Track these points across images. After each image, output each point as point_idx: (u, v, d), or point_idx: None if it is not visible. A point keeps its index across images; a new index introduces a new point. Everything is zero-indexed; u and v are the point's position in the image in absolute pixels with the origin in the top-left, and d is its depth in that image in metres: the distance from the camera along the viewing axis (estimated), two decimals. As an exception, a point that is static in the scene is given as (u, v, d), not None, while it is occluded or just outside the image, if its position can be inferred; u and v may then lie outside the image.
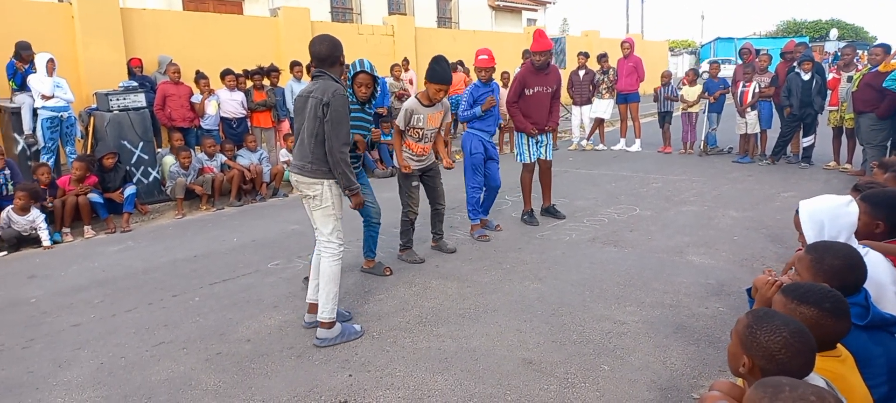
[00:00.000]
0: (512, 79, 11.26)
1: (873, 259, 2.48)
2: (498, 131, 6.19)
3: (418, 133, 5.00)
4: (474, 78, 12.97)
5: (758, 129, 9.46)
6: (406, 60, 12.80)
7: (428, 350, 3.56)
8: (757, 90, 9.26)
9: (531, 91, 5.98)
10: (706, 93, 10.23)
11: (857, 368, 2.03)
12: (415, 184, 5.14)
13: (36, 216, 6.36)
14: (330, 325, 3.69)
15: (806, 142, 8.95)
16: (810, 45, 13.30)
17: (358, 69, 4.33)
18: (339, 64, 3.74)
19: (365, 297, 4.45)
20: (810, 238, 2.48)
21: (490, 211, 6.23)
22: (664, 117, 10.92)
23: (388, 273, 4.90)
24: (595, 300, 4.21)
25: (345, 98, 3.59)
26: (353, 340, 3.73)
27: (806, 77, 8.54)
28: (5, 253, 6.24)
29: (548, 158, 6.28)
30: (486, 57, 5.77)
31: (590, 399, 3.01)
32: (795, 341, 1.76)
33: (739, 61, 9.99)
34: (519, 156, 6.26)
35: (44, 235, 6.39)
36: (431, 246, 5.50)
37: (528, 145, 6.14)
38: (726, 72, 17.68)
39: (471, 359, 3.43)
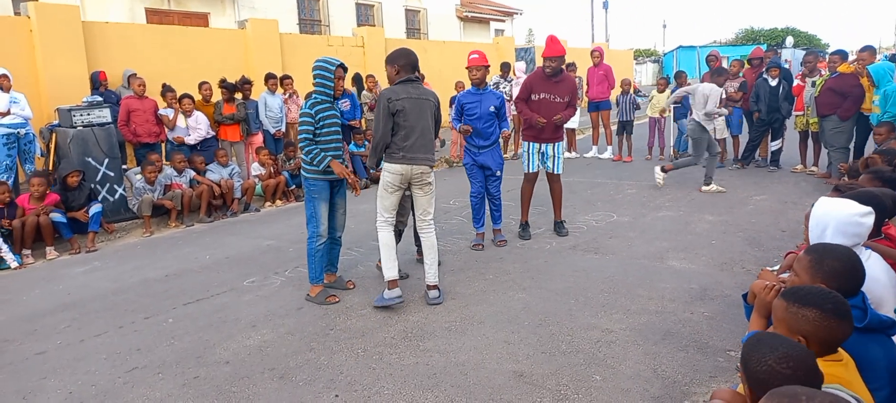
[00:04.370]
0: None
1: (874, 263, 2.49)
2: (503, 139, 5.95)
3: None
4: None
5: (726, 135, 9.62)
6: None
7: (415, 367, 3.47)
8: (724, 96, 9.42)
9: (538, 97, 5.80)
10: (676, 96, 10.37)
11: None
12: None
13: None
14: (436, 286, 4.48)
15: (774, 146, 9.14)
16: (777, 51, 13.71)
17: (337, 63, 4.44)
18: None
19: (347, 312, 4.33)
20: (812, 238, 2.48)
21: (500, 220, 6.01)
22: (624, 127, 10.92)
23: (351, 286, 4.82)
24: (581, 308, 4.18)
25: None
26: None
27: (773, 83, 8.74)
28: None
29: (556, 172, 6.03)
30: (476, 56, 5.55)
31: (584, 410, 2.96)
32: (782, 367, 1.72)
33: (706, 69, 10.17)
34: (523, 164, 6.08)
35: (9, 257, 6.13)
36: (416, 258, 5.38)
37: (530, 154, 5.98)
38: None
39: (460, 374, 3.35)
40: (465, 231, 6.34)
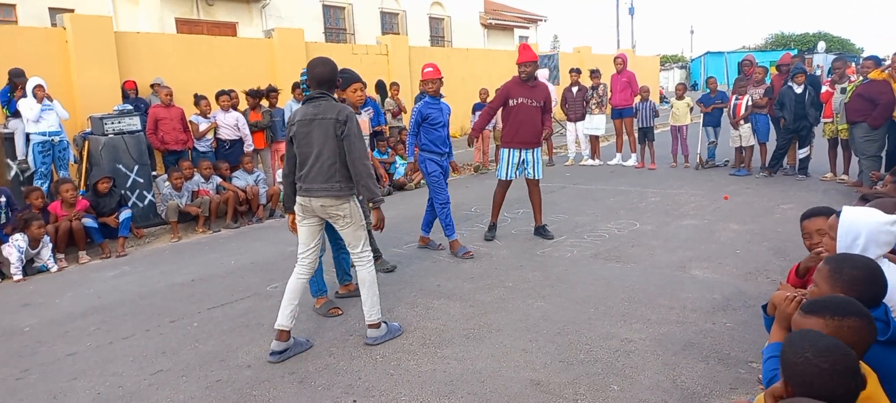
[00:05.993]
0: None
1: (892, 272, 2.44)
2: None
3: None
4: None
5: (752, 142, 9.47)
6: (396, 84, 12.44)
7: (433, 373, 3.49)
8: (750, 103, 9.29)
9: (515, 101, 5.94)
10: (700, 104, 10.25)
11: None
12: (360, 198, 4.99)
13: (45, 243, 6.35)
14: (378, 325, 3.92)
15: (802, 153, 8.97)
16: (805, 57, 13.48)
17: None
18: (337, 85, 3.99)
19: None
20: (840, 247, 2.43)
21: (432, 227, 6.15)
22: (645, 134, 10.84)
23: None
24: (600, 317, 4.16)
25: (354, 114, 3.78)
26: (397, 337, 3.99)
27: (798, 89, 8.58)
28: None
29: (535, 177, 6.13)
30: (430, 69, 5.70)
31: (601, 420, 2.94)
32: (820, 361, 1.67)
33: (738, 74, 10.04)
34: (498, 171, 6.19)
35: (50, 261, 6.37)
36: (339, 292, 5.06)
37: (509, 162, 6.06)
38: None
39: (477, 381, 3.36)
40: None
